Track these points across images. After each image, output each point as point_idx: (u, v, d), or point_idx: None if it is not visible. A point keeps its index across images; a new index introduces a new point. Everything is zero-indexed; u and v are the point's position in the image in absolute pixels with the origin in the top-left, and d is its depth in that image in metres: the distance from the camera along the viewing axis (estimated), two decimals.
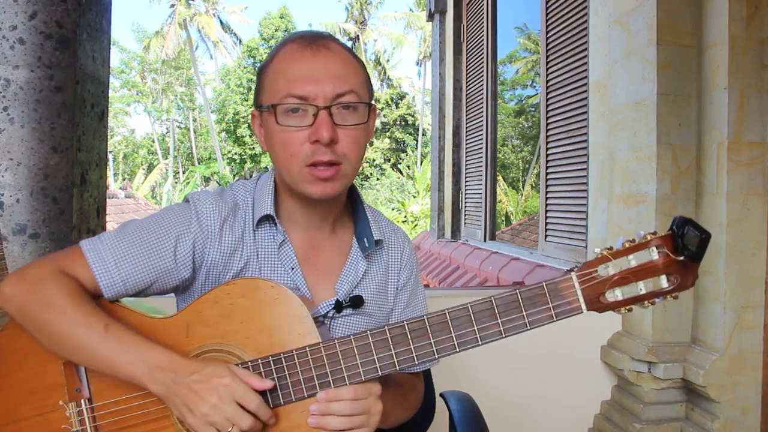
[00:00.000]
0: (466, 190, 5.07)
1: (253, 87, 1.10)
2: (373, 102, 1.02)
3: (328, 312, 1.02)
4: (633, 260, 0.86)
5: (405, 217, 16.29)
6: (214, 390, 0.84)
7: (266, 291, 0.91)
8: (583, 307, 0.88)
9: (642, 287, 0.86)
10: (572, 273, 0.88)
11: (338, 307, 1.02)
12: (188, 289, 1.03)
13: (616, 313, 0.89)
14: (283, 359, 0.89)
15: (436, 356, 0.89)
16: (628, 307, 0.88)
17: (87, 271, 0.94)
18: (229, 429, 0.84)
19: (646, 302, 0.88)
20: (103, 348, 0.88)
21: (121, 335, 0.89)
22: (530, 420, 2.33)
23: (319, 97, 0.93)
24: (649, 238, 0.86)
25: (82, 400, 0.92)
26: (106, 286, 0.94)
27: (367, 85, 1.01)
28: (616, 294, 0.87)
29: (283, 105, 0.94)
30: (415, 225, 15.87)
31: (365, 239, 1.07)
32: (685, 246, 0.84)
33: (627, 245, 0.87)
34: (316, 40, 0.97)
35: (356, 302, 1.03)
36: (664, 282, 0.86)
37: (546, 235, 3.34)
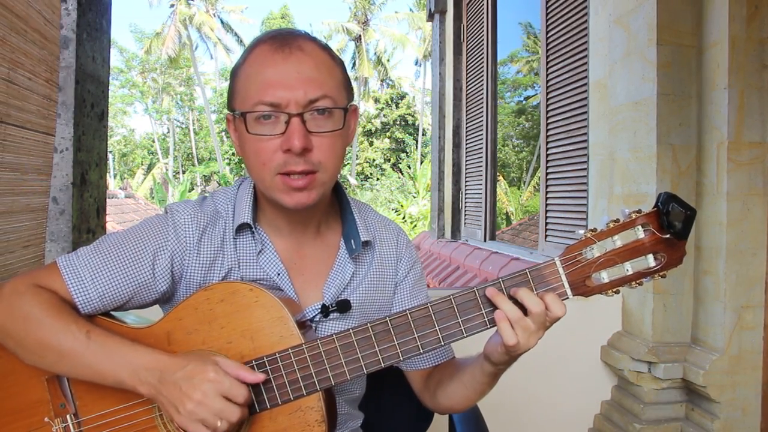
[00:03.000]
0: (466, 190, 5.07)
1: None
2: (351, 104, 0.97)
3: (314, 316, 1.00)
4: (618, 240, 0.85)
5: (404, 217, 16.30)
6: (198, 386, 0.81)
7: (245, 294, 0.90)
8: (569, 292, 0.87)
9: (629, 268, 0.85)
10: (556, 258, 0.87)
11: (324, 311, 1.00)
12: (170, 300, 1.02)
13: (604, 295, 0.87)
14: (266, 362, 0.88)
15: (421, 351, 0.88)
16: (615, 290, 0.87)
17: (63, 288, 0.92)
18: (218, 424, 0.81)
19: (633, 283, 0.86)
20: (86, 355, 0.86)
21: (104, 340, 0.87)
22: (530, 420, 2.33)
23: (291, 103, 0.88)
24: (633, 216, 0.84)
25: (68, 416, 0.90)
26: (82, 302, 0.92)
27: (345, 86, 0.96)
28: (602, 276, 0.86)
29: (254, 113, 0.90)
30: (414, 226, 15.88)
31: (352, 241, 1.04)
32: (671, 223, 0.82)
33: (611, 225, 0.85)
34: (288, 42, 0.91)
35: (343, 306, 1.01)
36: (651, 261, 0.85)
37: (546, 235, 3.34)
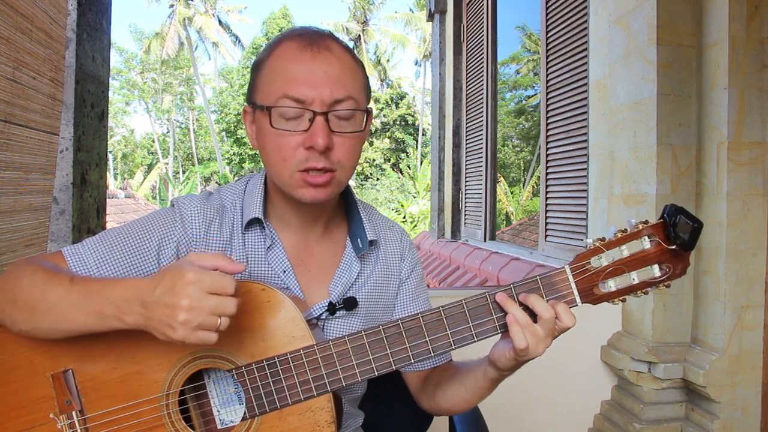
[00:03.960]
0: (466, 190, 5.07)
1: None
2: (369, 106, 0.99)
3: (321, 314, 1.01)
4: (625, 250, 0.86)
5: (404, 217, 16.31)
6: (182, 293, 0.75)
7: (257, 294, 0.89)
8: (578, 299, 0.88)
9: (635, 277, 0.87)
10: (566, 266, 0.88)
11: (331, 309, 1.00)
12: None
13: (611, 303, 0.89)
14: (277, 363, 0.88)
15: (432, 354, 0.89)
16: (621, 298, 0.88)
17: None
18: (219, 321, 0.77)
19: (639, 292, 0.88)
20: (70, 299, 0.83)
21: (86, 282, 0.85)
22: (530, 420, 2.33)
23: (316, 101, 0.89)
24: (640, 227, 0.86)
25: (74, 412, 0.90)
26: None
27: (366, 88, 0.98)
28: (609, 285, 0.87)
29: (278, 108, 0.90)
30: (414, 226, 15.88)
31: (359, 240, 1.05)
32: (677, 235, 0.84)
33: (619, 235, 0.86)
34: (316, 41, 0.92)
35: (350, 304, 1.01)
36: (656, 271, 0.86)
37: (546, 235, 3.34)
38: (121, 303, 0.80)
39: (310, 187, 0.92)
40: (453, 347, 0.89)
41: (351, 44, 29.22)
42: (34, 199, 1.51)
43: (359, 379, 0.88)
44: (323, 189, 0.93)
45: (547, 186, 3.35)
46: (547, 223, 3.33)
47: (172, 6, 27.97)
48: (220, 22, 29.67)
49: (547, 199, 3.34)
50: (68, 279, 0.86)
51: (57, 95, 1.55)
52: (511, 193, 13.32)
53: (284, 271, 1.00)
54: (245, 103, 1.00)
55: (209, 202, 1.01)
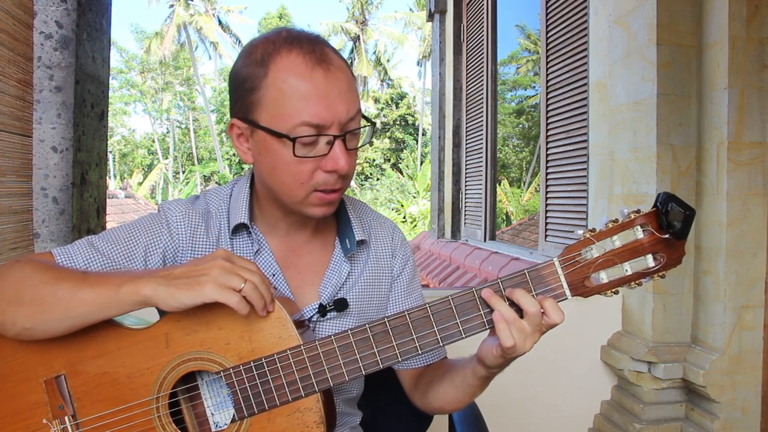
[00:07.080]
0: (466, 190, 5.07)
1: None
2: (375, 120, 0.99)
3: (312, 316, 1.00)
4: (617, 241, 0.84)
5: (404, 217, 16.31)
6: (212, 259, 0.82)
7: None
8: (567, 293, 0.86)
9: (628, 268, 0.84)
10: (555, 258, 0.86)
11: (322, 310, 1.00)
12: None
13: (603, 296, 0.87)
14: (264, 364, 0.88)
15: (420, 351, 0.88)
16: (614, 290, 0.86)
17: None
18: (242, 285, 0.80)
19: (632, 283, 0.85)
20: (87, 282, 0.83)
21: (102, 273, 0.87)
22: (530, 420, 2.33)
23: (334, 124, 0.87)
24: (632, 216, 0.83)
25: (67, 417, 0.90)
26: None
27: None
28: (601, 277, 0.85)
29: (301, 138, 0.86)
30: (414, 226, 15.89)
31: (347, 240, 1.04)
32: (670, 223, 0.81)
33: (610, 225, 0.84)
34: (323, 57, 0.87)
35: (340, 305, 1.01)
36: (650, 261, 0.84)
37: (546, 235, 3.34)
38: (141, 274, 0.83)
39: (323, 205, 0.93)
40: (441, 344, 0.88)
41: (350, 45, 29.23)
42: (13, 202, 1.50)
43: (346, 378, 0.88)
44: (334, 204, 0.94)
45: (547, 186, 3.34)
46: (547, 223, 3.33)
47: (171, 6, 27.98)
48: (220, 22, 29.68)
49: (547, 199, 3.34)
50: (81, 272, 0.88)
51: (26, 97, 1.53)
52: (511, 193, 13.32)
53: (273, 275, 0.99)
54: (231, 117, 0.95)
55: (195, 207, 1.01)
